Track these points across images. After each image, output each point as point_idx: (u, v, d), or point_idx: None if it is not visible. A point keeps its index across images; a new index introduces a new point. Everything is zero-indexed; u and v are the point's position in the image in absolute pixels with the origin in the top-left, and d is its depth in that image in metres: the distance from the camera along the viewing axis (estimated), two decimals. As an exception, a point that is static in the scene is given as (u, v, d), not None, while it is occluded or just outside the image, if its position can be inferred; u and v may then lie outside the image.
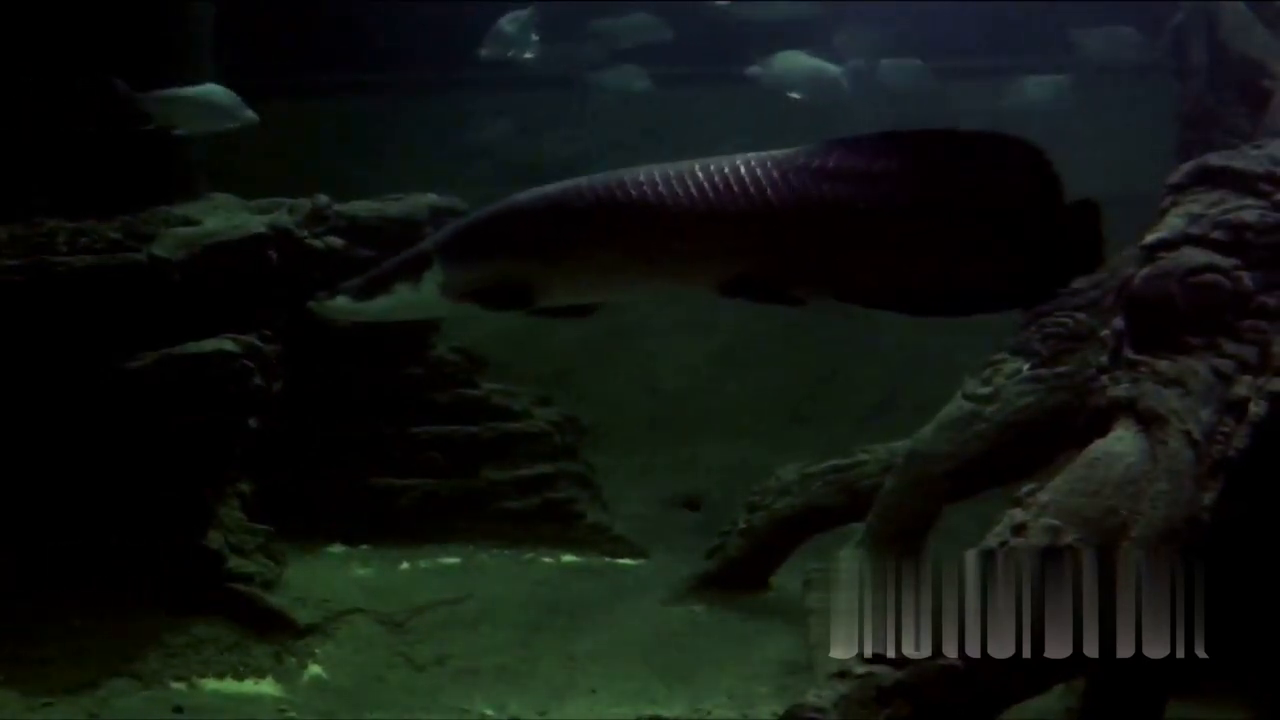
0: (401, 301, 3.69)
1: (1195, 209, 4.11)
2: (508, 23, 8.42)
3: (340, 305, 3.75)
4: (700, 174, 3.40)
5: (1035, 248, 3.33)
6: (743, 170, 3.37)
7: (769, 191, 3.35)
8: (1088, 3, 8.79)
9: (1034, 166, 3.31)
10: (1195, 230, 4.05)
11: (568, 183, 3.55)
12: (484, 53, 8.44)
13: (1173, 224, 4.11)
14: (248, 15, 7.32)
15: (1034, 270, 3.37)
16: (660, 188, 3.41)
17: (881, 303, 3.41)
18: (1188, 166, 4.27)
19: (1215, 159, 4.26)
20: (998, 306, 3.47)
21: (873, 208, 3.33)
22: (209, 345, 5.67)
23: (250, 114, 6.00)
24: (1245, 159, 4.21)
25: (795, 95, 8.30)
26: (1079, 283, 5.90)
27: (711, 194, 3.38)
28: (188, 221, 6.02)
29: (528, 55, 8.35)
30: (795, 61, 8.38)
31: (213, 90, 5.97)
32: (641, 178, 3.43)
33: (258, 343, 5.76)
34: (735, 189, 3.37)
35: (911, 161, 3.35)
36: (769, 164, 3.38)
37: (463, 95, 9.62)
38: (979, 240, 3.34)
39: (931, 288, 3.39)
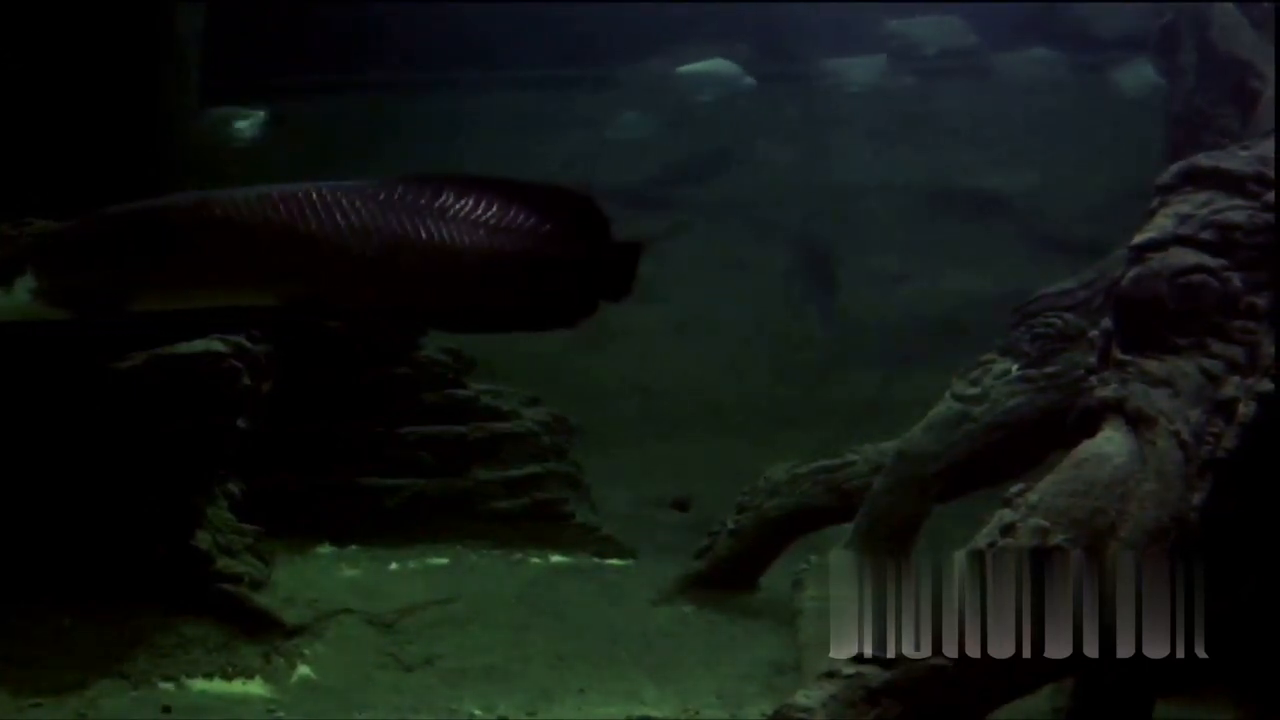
0: None
1: (1184, 209, 4.10)
2: (238, 118, 8.54)
3: None
4: (277, 197, 3.56)
5: (575, 279, 3.69)
6: (315, 196, 3.55)
7: (337, 217, 3.54)
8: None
9: (580, 212, 3.69)
10: (1184, 231, 4.05)
11: (163, 197, 3.70)
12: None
13: (1161, 224, 4.11)
14: (237, 17, 7.31)
15: (570, 298, 3.73)
16: (241, 207, 3.56)
17: (431, 323, 3.71)
18: (1176, 167, 4.26)
19: (1204, 159, 4.25)
20: (536, 328, 3.84)
21: (430, 239, 3.60)
22: (198, 345, 5.63)
23: (749, 80, 6.58)
24: (1234, 160, 4.20)
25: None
26: (1067, 283, 5.94)
27: (285, 216, 3.54)
28: (176, 221, 5.99)
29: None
30: None
31: (721, 63, 6.53)
32: (226, 197, 3.58)
33: (246, 343, 5.74)
34: (307, 213, 3.54)
35: (470, 202, 3.65)
36: (339, 192, 3.57)
37: (456, 95, 9.63)
38: (519, 272, 3.67)
39: (475, 311, 3.74)
